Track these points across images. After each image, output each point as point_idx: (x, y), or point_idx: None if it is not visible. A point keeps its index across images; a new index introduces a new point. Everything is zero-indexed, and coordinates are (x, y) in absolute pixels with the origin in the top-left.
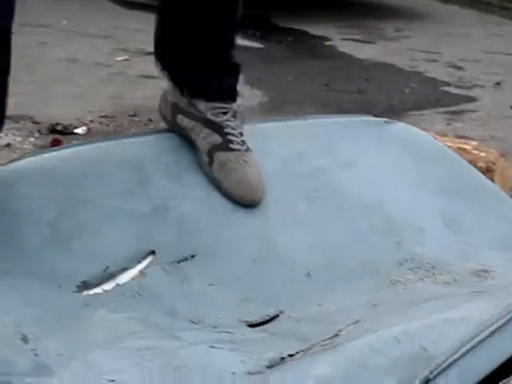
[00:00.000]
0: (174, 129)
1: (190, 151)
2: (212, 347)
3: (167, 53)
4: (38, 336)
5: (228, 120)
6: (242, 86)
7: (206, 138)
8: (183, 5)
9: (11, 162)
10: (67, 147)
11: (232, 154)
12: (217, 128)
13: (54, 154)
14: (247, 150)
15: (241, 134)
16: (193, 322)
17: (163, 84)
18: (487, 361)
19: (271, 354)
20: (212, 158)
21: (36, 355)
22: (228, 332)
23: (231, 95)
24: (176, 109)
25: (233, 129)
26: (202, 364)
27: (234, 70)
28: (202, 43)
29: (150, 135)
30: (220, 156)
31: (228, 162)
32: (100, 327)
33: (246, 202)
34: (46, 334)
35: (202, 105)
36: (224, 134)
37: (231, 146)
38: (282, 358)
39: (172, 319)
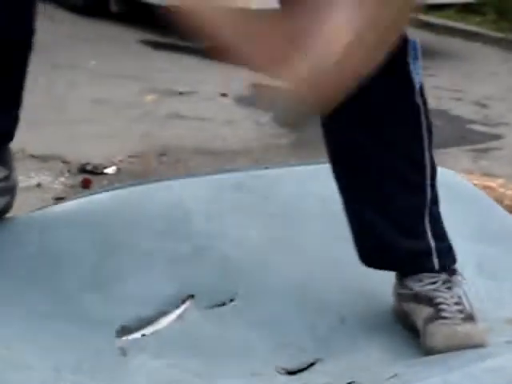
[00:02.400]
0: (403, 322)
1: (231, 191)
2: None
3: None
4: (78, 382)
5: (438, 290)
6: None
7: (419, 316)
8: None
9: (47, 204)
10: (107, 190)
11: (443, 321)
12: (426, 300)
13: (94, 197)
14: (466, 319)
15: (457, 304)
16: (231, 370)
17: (192, 124)
18: None
19: None
20: (425, 335)
21: None
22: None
23: (433, 265)
24: (397, 297)
25: (445, 299)
26: None
27: (444, 251)
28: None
29: (187, 178)
30: (431, 328)
31: (439, 330)
32: (140, 374)
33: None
34: (85, 381)
35: (409, 281)
36: (435, 305)
37: (443, 314)
38: None
39: (210, 367)
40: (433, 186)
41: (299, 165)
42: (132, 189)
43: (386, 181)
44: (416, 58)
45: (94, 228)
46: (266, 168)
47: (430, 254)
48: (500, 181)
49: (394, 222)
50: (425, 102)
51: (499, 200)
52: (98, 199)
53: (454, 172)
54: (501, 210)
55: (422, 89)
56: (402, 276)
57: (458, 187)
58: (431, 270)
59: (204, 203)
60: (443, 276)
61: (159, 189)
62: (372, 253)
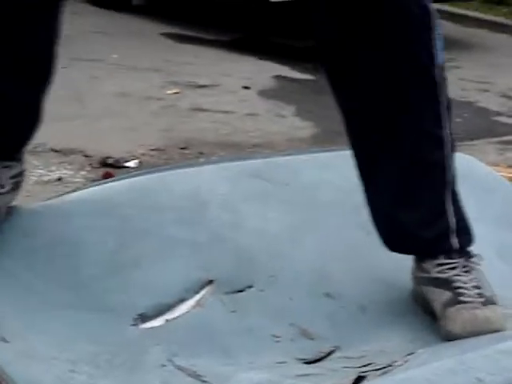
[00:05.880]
0: (420, 303)
1: (246, 182)
2: None
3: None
4: (93, 376)
5: (457, 275)
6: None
7: (438, 300)
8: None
9: (66, 193)
10: (123, 178)
11: (463, 306)
12: (444, 284)
13: (111, 184)
14: (486, 303)
15: (477, 288)
16: (250, 359)
17: (215, 117)
18: None
19: None
20: (444, 319)
21: None
22: (282, 375)
23: (454, 250)
24: (416, 280)
25: (464, 282)
26: None
27: (463, 231)
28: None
29: (205, 165)
30: (450, 312)
31: (458, 314)
32: (155, 373)
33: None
34: (101, 375)
35: (428, 264)
36: (453, 289)
37: (462, 298)
38: None
39: (228, 358)
40: (452, 164)
41: (319, 151)
42: (149, 176)
43: (407, 159)
44: (440, 40)
45: (110, 216)
46: (286, 155)
47: (450, 233)
48: None
49: (416, 202)
50: (444, 81)
51: None
52: (115, 187)
53: (478, 159)
54: None
55: (442, 68)
56: (421, 260)
57: (481, 174)
58: (450, 249)
59: (222, 191)
60: (461, 260)
61: (176, 176)
62: (394, 237)
